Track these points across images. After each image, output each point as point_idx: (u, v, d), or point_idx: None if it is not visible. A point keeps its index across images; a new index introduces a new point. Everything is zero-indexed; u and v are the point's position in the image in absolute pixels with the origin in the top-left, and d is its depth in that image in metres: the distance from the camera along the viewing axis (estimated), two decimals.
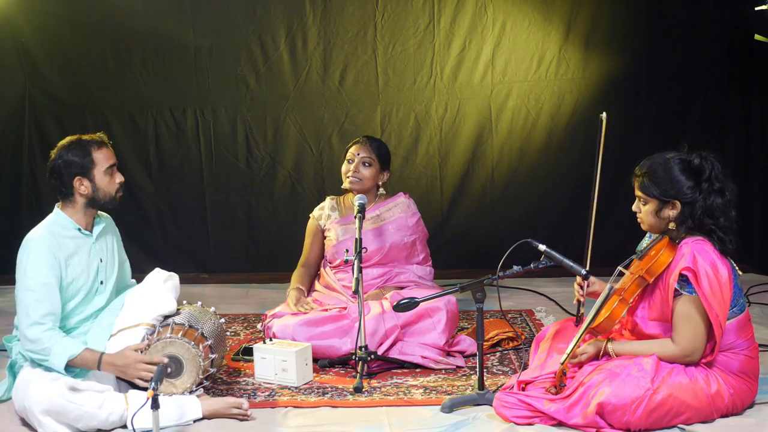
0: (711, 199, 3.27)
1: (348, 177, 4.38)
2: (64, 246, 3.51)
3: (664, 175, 3.31)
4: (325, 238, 4.51)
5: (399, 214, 4.46)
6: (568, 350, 3.39)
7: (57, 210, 3.60)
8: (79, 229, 3.57)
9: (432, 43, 5.65)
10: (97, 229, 3.65)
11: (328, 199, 4.58)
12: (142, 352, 3.42)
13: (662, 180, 3.30)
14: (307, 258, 4.53)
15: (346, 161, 4.42)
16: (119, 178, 3.64)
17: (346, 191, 4.50)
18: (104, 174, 3.57)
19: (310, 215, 4.56)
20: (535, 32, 5.63)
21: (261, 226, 5.86)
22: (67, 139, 3.61)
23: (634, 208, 3.43)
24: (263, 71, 5.69)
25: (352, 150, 4.42)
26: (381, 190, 4.47)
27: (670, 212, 3.32)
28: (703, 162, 3.29)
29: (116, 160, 3.64)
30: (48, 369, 3.40)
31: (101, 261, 3.64)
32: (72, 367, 3.40)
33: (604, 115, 3.37)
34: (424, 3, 5.61)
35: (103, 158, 3.57)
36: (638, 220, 3.43)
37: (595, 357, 3.40)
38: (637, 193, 3.38)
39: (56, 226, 3.55)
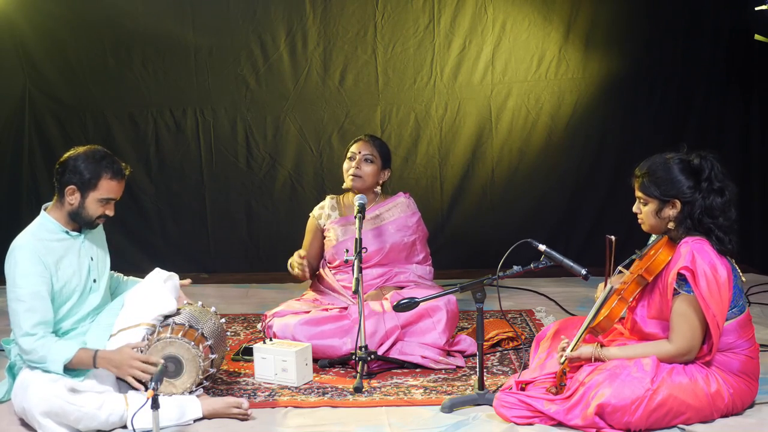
0: (711, 198, 3.28)
1: (349, 174, 4.38)
2: (52, 250, 3.46)
3: (663, 175, 3.31)
4: (324, 237, 4.50)
5: (399, 214, 4.46)
6: (568, 351, 3.39)
7: (43, 213, 3.54)
8: (67, 232, 3.53)
9: (432, 43, 5.66)
10: (85, 228, 3.60)
11: (327, 198, 4.58)
12: (141, 351, 3.41)
13: (662, 180, 3.31)
14: (307, 254, 4.51)
15: (347, 159, 4.42)
16: (110, 211, 3.52)
17: (346, 191, 4.50)
18: (97, 202, 3.48)
19: (310, 214, 4.56)
20: (535, 32, 5.63)
21: (261, 226, 5.86)
22: (95, 148, 3.52)
23: (634, 209, 3.43)
24: (263, 71, 5.69)
25: (354, 147, 4.41)
26: (378, 189, 4.46)
27: (671, 212, 3.32)
28: (703, 162, 3.30)
29: (119, 196, 3.54)
30: (47, 371, 3.39)
31: (92, 259, 3.61)
32: (70, 369, 3.39)
33: (613, 237, 3.36)
34: (424, 3, 5.61)
35: (107, 189, 3.48)
36: (639, 221, 3.43)
37: (589, 360, 3.39)
38: (638, 193, 3.39)
39: (42, 230, 3.49)
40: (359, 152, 4.37)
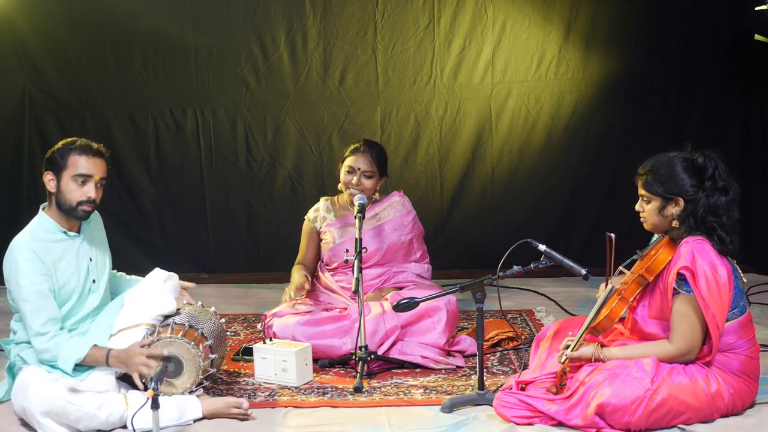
0: (714, 197, 3.28)
1: (349, 190, 4.33)
2: (50, 251, 3.46)
3: (667, 173, 3.31)
4: (321, 240, 4.49)
5: (394, 214, 4.45)
6: (569, 351, 3.39)
7: (41, 213, 3.53)
8: (65, 232, 3.52)
9: (432, 43, 5.65)
10: (84, 228, 3.59)
11: (322, 200, 4.55)
12: (147, 347, 3.41)
13: (666, 178, 3.31)
14: (304, 259, 4.48)
15: (345, 171, 4.34)
16: (90, 193, 3.45)
17: (341, 191, 4.49)
18: (71, 180, 3.42)
19: (305, 217, 4.53)
20: (535, 32, 5.63)
21: (261, 226, 5.86)
22: (71, 138, 3.52)
23: (637, 207, 3.43)
24: (263, 71, 5.69)
25: (352, 161, 4.32)
26: (377, 195, 4.45)
27: (674, 210, 3.32)
28: (707, 161, 3.30)
29: (96, 175, 3.45)
30: (53, 368, 3.39)
31: (91, 260, 3.60)
32: (81, 366, 3.39)
33: (613, 235, 3.35)
34: (424, 3, 5.61)
35: (76, 165, 3.42)
36: (641, 219, 3.43)
37: (589, 360, 3.39)
38: (641, 191, 3.38)
39: (40, 230, 3.48)
40: (358, 169, 4.32)
